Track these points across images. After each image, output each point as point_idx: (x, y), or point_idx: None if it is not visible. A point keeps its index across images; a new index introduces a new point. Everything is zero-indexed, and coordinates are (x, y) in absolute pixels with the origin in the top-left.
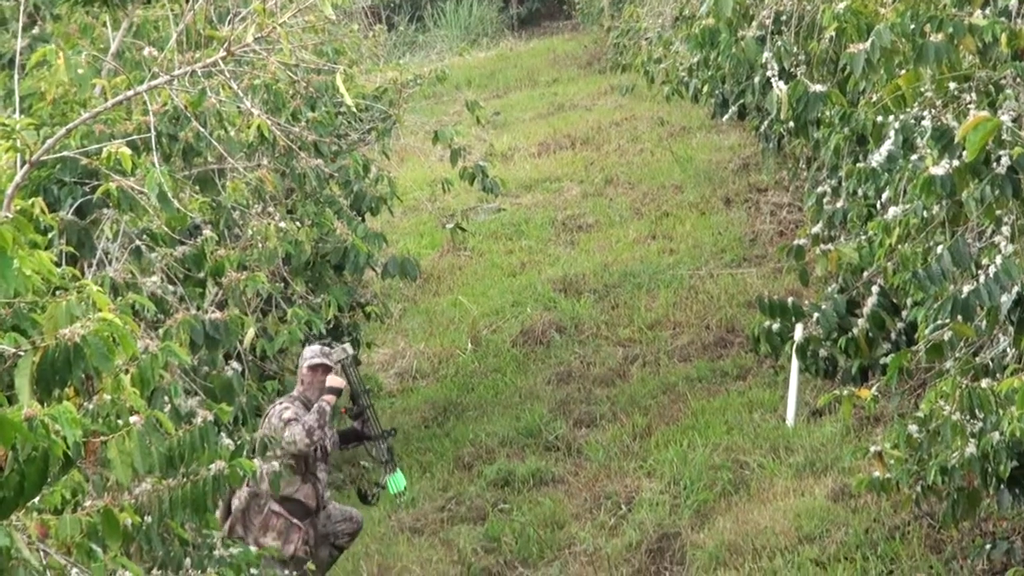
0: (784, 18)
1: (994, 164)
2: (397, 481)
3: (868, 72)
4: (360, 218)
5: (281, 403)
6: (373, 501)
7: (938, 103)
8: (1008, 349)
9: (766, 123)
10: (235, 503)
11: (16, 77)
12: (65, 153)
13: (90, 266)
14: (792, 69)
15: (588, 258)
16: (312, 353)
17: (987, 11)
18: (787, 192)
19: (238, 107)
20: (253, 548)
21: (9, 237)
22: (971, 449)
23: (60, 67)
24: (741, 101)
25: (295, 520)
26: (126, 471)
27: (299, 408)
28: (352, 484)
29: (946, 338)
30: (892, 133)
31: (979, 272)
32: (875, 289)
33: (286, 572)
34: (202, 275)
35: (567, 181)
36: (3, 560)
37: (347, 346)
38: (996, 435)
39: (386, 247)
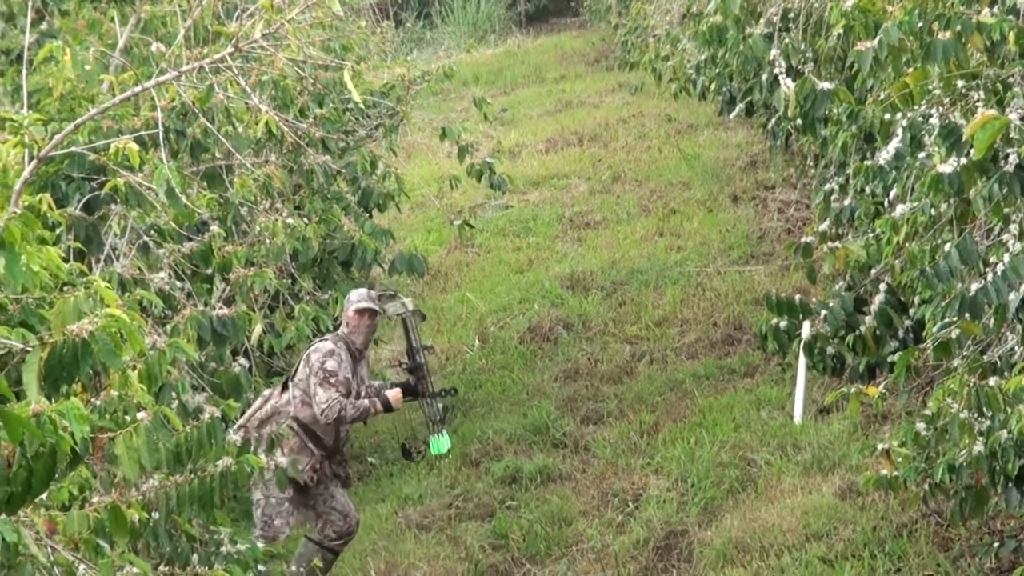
0: (792, 15)
1: (1002, 162)
2: (440, 443)
3: (876, 70)
4: (367, 214)
5: (326, 342)
6: (417, 459)
7: (946, 101)
8: (1016, 347)
9: (774, 120)
10: (258, 414)
11: (24, 73)
12: (73, 149)
13: (98, 262)
14: (800, 66)
15: (595, 255)
16: (359, 296)
17: (995, 9)
18: (795, 189)
19: (246, 103)
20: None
21: (17, 233)
22: (979, 447)
23: (67, 63)
24: (748, 98)
25: (309, 444)
26: (133, 467)
27: (343, 353)
28: (361, 481)
29: (954, 336)
30: (900, 131)
31: (987, 270)
32: (883, 287)
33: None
34: (210, 271)
35: (574, 178)
36: (11, 556)
37: (407, 300)
38: (1004, 433)
39: (393, 243)
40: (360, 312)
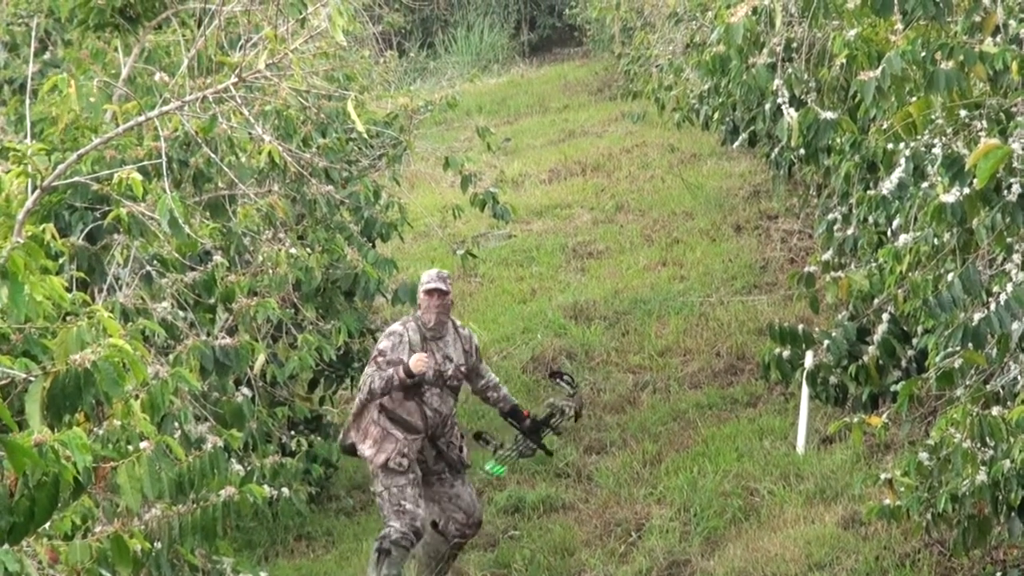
0: (795, 45)
1: (1005, 192)
2: (501, 470)
3: (879, 99)
4: (370, 244)
5: (397, 323)
6: (485, 446)
7: (949, 131)
8: (1019, 377)
9: (777, 150)
10: (354, 406)
11: (27, 102)
12: (76, 179)
13: (100, 292)
14: (803, 96)
15: (598, 285)
16: (428, 277)
17: (998, 39)
18: (798, 219)
19: (249, 133)
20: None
21: (20, 263)
22: (982, 477)
23: (71, 95)
24: (752, 128)
25: (393, 431)
26: (136, 497)
27: (408, 333)
28: (363, 510)
29: (957, 366)
30: (903, 160)
31: (990, 300)
32: (885, 316)
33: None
34: (212, 301)
35: (577, 208)
36: None
37: (568, 404)
38: (1007, 463)
39: (396, 273)
40: (428, 292)
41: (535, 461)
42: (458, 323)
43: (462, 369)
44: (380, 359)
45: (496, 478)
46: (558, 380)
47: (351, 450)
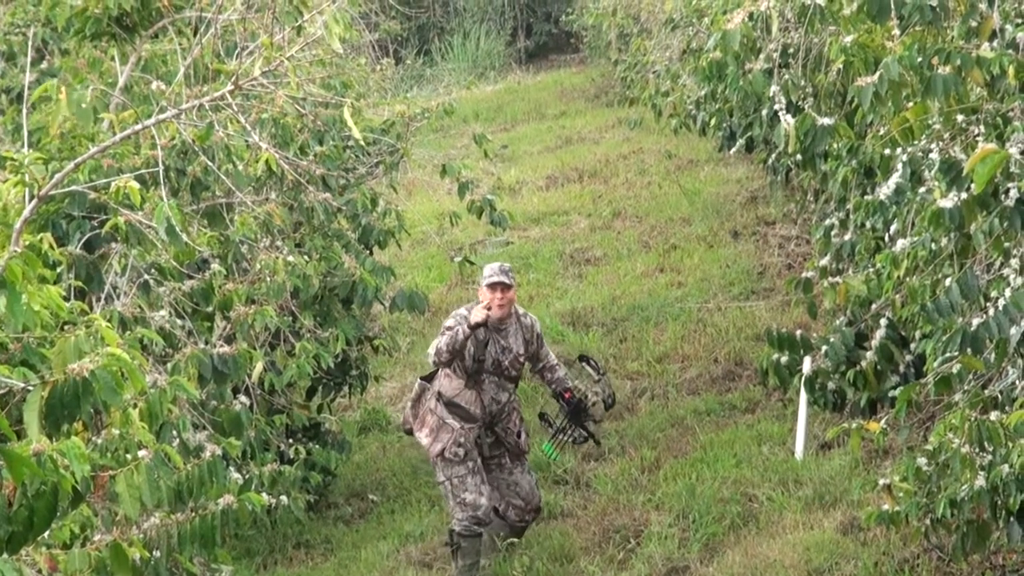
0: (792, 51)
1: (1002, 196)
2: (555, 453)
3: (876, 105)
4: (368, 252)
5: (461, 309)
6: (547, 426)
7: (946, 136)
8: (1017, 382)
9: (774, 156)
10: (413, 394)
11: (24, 111)
12: (73, 187)
13: (98, 300)
14: (800, 102)
15: (596, 291)
16: (491, 271)
17: (995, 43)
18: (795, 225)
19: (246, 141)
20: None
21: (18, 272)
22: (980, 482)
23: (62, 102)
24: (749, 134)
25: (449, 420)
26: (134, 505)
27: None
28: (362, 518)
29: (955, 371)
30: (900, 166)
31: (988, 305)
32: (883, 322)
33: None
34: (210, 309)
35: (575, 214)
36: None
37: (599, 393)
38: (1005, 468)
39: (394, 280)
40: (491, 287)
41: (533, 467)
42: (521, 311)
43: (520, 359)
44: (448, 332)
45: (552, 460)
46: (584, 364)
47: (412, 432)
